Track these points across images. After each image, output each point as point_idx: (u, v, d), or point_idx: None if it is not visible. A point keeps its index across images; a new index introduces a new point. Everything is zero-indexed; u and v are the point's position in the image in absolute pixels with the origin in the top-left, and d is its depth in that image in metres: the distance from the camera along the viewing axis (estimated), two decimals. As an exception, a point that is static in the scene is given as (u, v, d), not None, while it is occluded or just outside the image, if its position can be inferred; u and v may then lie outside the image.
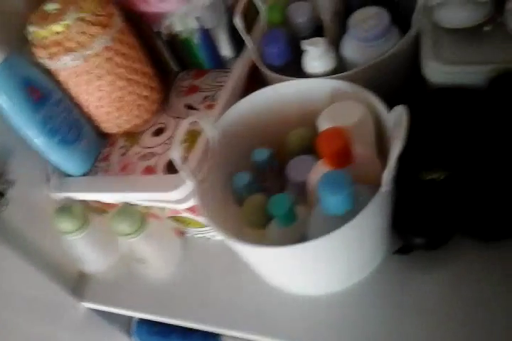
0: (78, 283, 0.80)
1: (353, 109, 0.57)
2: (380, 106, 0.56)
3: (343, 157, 0.50)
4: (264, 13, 0.75)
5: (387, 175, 0.47)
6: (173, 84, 0.79)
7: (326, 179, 0.46)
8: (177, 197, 0.62)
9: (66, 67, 0.63)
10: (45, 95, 0.64)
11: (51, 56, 0.62)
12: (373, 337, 0.57)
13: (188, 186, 0.61)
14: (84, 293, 0.79)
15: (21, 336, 0.71)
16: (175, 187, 0.61)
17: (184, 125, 0.56)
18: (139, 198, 0.66)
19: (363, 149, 0.54)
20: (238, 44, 0.76)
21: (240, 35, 0.70)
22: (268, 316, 0.64)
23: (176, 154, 0.54)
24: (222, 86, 0.74)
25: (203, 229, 0.73)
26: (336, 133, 0.50)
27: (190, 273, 0.73)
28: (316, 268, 0.56)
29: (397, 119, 0.50)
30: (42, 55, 0.63)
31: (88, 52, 0.62)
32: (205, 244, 0.76)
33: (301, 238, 0.51)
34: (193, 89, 0.76)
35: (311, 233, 0.52)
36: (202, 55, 0.76)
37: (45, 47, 0.62)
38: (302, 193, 0.58)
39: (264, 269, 0.62)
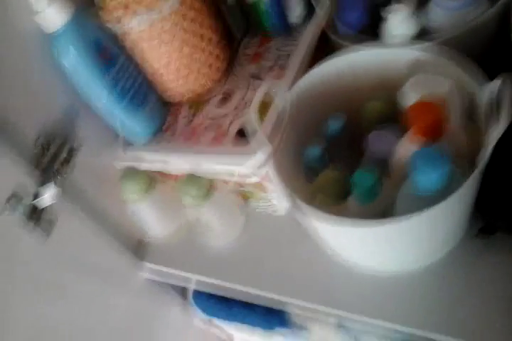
0: (139, 249, 0.81)
1: (441, 79, 0.54)
2: (474, 75, 0.52)
3: (434, 130, 0.48)
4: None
5: (485, 155, 0.44)
6: (236, 52, 0.77)
7: (422, 154, 0.44)
8: (249, 169, 0.60)
9: (133, 31, 0.61)
10: (113, 57, 0.63)
11: (118, 19, 0.60)
12: (444, 318, 0.56)
13: (261, 154, 0.59)
14: (145, 258, 0.80)
15: (83, 298, 0.72)
16: (248, 154, 0.59)
17: (261, 90, 0.54)
18: (206, 169, 0.64)
19: (452, 122, 0.51)
20: (308, 9, 0.73)
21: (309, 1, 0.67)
22: (333, 288, 0.63)
23: (252, 121, 0.52)
24: (289, 54, 0.71)
25: (265, 203, 0.72)
26: (430, 105, 0.47)
27: (250, 244, 0.73)
28: (395, 246, 0.54)
29: (494, 94, 0.47)
30: (109, 18, 0.61)
31: (156, 15, 0.60)
32: (266, 218, 0.75)
33: (382, 214, 0.50)
34: (259, 56, 0.74)
35: (397, 210, 0.50)
36: (269, 21, 0.73)
37: (112, 9, 0.60)
38: (381, 166, 0.56)
39: (336, 244, 0.61)
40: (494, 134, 0.43)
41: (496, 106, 0.46)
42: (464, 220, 0.56)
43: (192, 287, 0.92)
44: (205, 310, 0.92)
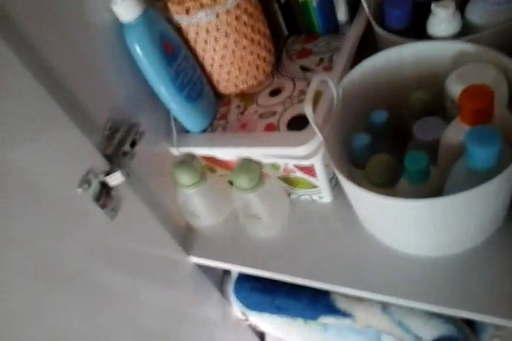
0: (188, 237, 0.83)
1: (486, 69, 0.58)
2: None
3: (484, 116, 0.51)
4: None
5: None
6: (284, 48, 0.81)
7: (476, 133, 0.47)
8: (304, 152, 0.64)
9: (199, 22, 0.65)
10: (176, 50, 0.67)
11: (186, 11, 0.64)
12: (479, 304, 0.58)
13: (314, 142, 0.63)
14: (192, 246, 0.82)
15: (128, 286, 0.72)
16: (302, 142, 0.63)
17: (315, 82, 0.58)
18: (262, 153, 0.68)
19: (498, 109, 0.55)
20: (352, 9, 0.77)
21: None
22: (377, 274, 0.66)
23: (309, 109, 0.56)
24: (336, 49, 0.75)
25: (312, 189, 0.75)
26: (481, 90, 0.50)
27: (296, 233, 0.75)
28: (444, 227, 0.57)
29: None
30: (177, 10, 0.65)
31: (221, 8, 0.64)
32: (311, 206, 0.78)
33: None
34: (306, 52, 0.78)
35: (448, 188, 0.53)
36: (317, 19, 0.78)
37: (180, 2, 0.64)
38: (428, 154, 0.59)
39: (380, 224, 0.64)
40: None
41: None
42: (506, 203, 0.59)
43: (235, 276, 0.94)
44: (245, 302, 0.93)
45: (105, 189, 0.62)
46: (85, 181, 0.59)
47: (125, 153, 0.64)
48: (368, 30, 0.77)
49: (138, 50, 0.63)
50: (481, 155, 0.47)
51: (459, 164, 0.52)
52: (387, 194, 0.53)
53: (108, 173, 0.62)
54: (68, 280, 0.59)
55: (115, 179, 0.62)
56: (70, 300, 0.59)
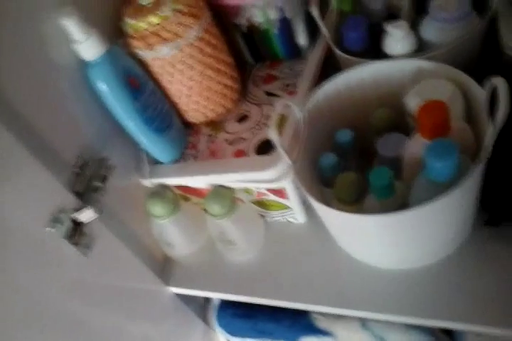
0: (165, 268, 0.83)
1: (443, 85, 0.59)
2: (469, 80, 0.58)
3: (442, 129, 0.53)
4: (335, 3, 0.78)
5: (489, 141, 0.49)
6: (249, 75, 0.83)
7: (434, 147, 0.48)
8: (273, 176, 0.65)
9: (163, 57, 0.67)
10: (142, 84, 0.68)
11: (149, 46, 0.66)
12: (455, 313, 0.59)
13: (282, 165, 0.64)
14: (170, 277, 0.82)
15: (109, 322, 0.72)
16: (270, 166, 0.64)
17: (278, 107, 0.59)
18: (232, 179, 0.69)
19: (455, 123, 0.56)
20: (312, 34, 0.79)
21: (313, 25, 0.73)
22: (355, 291, 0.66)
23: (273, 133, 0.57)
24: (299, 74, 0.77)
25: (285, 211, 0.76)
26: (436, 105, 0.52)
27: (273, 255, 0.76)
28: (412, 239, 0.58)
29: (489, 93, 0.52)
30: (140, 46, 0.67)
31: (183, 42, 0.66)
32: (285, 227, 0.78)
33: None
34: (271, 78, 0.80)
35: (412, 201, 0.54)
36: (279, 45, 0.80)
37: (143, 38, 0.66)
38: (392, 169, 0.60)
39: (353, 241, 0.65)
40: (497, 121, 0.48)
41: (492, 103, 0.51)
42: (471, 212, 0.60)
43: (216, 304, 0.94)
44: (228, 329, 0.93)
45: (77, 226, 0.62)
46: (56, 220, 0.59)
47: (96, 189, 0.64)
48: (329, 53, 0.79)
49: (103, 88, 0.64)
50: (441, 168, 0.49)
51: (420, 177, 0.53)
52: (355, 211, 0.54)
53: (79, 210, 0.62)
54: (45, 319, 0.58)
55: (87, 216, 0.62)
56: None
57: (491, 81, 0.52)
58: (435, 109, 0.52)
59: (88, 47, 0.60)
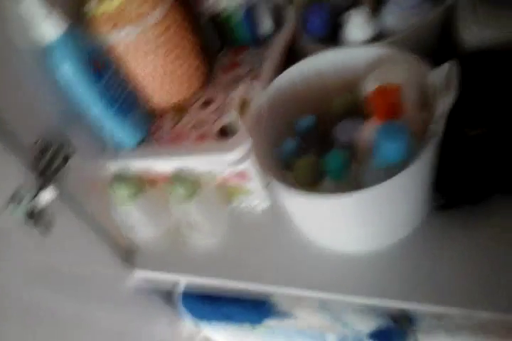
0: (129, 253, 0.83)
1: (399, 70, 0.61)
2: (424, 66, 0.59)
3: (394, 112, 0.54)
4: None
5: (439, 123, 0.51)
6: (215, 60, 0.83)
7: (385, 128, 0.50)
8: (235, 158, 0.66)
9: (125, 38, 0.67)
10: (104, 66, 0.68)
11: (111, 29, 0.66)
12: (411, 293, 0.61)
13: (243, 148, 0.65)
14: (134, 262, 0.82)
15: (71, 303, 0.72)
16: (232, 148, 0.65)
17: (240, 90, 0.60)
18: (194, 162, 0.70)
19: (409, 108, 0.58)
20: (277, 21, 0.80)
21: (278, 12, 0.74)
22: (314, 273, 0.68)
23: (235, 116, 0.58)
24: (264, 60, 0.77)
25: (249, 196, 0.77)
26: (389, 89, 0.53)
27: (237, 239, 0.77)
28: (366, 221, 0.59)
29: (442, 77, 0.54)
30: (102, 28, 0.67)
31: (146, 23, 0.66)
32: (249, 213, 0.79)
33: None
34: (236, 64, 0.81)
35: (365, 184, 0.55)
36: (244, 31, 0.81)
37: (105, 20, 0.66)
38: (350, 153, 0.62)
39: (312, 224, 0.66)
40: (445, 104, 0.49)
41: (444, 86, 0.53)
42: (426, 193, 0.62)
43: (181, 289, 0.95)
44: (194, 313, 0.95)
45: (37, 206, 0.62)
46: (15, 199, 0.59)
47: (57, 170, 0.64)
48: (295, 40, 0.80)
49: (64, 69, 0.64)
50: (391, 149, 0.50)
51: (373, 159, 0.54)
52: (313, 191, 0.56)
53: (39, 190, 0.62)
54: (5, 304, 0.58)
55: (47, 196, 0.62)
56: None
57: (444, 66, 0.54)
58: (388, 92, 0.53)
59: (48, 27, 0.60)
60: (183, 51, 0.73)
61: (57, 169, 0.65)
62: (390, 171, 0.51)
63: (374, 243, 0.65)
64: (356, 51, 0.67)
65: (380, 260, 0.65)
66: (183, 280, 0.80)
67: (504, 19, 0.64)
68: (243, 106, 0.69)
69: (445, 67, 0.53)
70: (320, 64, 0.69)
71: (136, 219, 0.78)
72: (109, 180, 0.74)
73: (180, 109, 0.78)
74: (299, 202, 0.60)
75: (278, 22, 0.80)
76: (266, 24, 0.79)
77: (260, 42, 0.82)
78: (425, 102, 0.62)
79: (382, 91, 0.54)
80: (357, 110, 0.67)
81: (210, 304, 0.92)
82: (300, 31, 0.75)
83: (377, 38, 0.69)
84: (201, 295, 0.92)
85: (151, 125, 0.78)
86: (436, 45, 0.71)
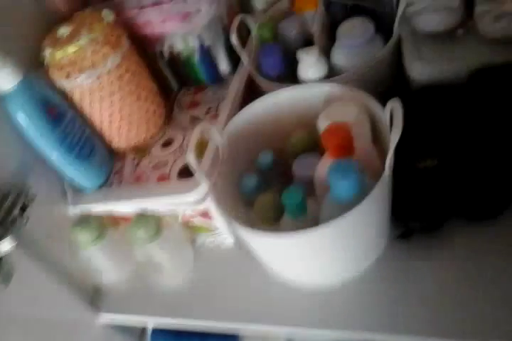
0: (95, 297, 0.82)
1: (350, 108, 0.63)
2: (373, 103, 0.62)
3: (346, 149, 0.56)
4: (255, 31, 0.82)
5: (389, 160, 0.53)
6: (174, 101, 0.85)
7: (335, 166, 0.51)
8: (195, 198, 0.66)
9: (81, 84, 0.68)
10: (61, 113, 0.68)
11: (67, 75, 0.67)
12: (378, 324, 0.61)
13: (202, 188, 0.65)
14: (100, 305, 0.81)
15: None
16: (191, 189, 0.66)
17: (197, 131, 0.61)
18: (156, 203, 0.70)
19: (361, 144, 0.60)
20: (234, 60, 0.82)
21: (234, 52, 0.76)
22: (280, 308, 0.68)
23: (191, 158, 0.58)
24: (222, 98, 0.79)
25: (213, 233, 0.77)
26: (339, 127, 0.55)
27: (202, 278, 0.77)
28: (325, 256, 0.60)
29: (389, 113, 0.56)
30: (58, 75, 0.68)
31: (101, 70, 0.67)
32: (215, 250, 0.79)
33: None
34: (195, 103, 0.82)
35: (322, 220, 0.56)
36: (202, 72, 0.83)
37: (61, 67, 0.67)
38: (309, 188, 0.63)
39: (275, 261, 0.66)
40: (393, 140, 0.51)
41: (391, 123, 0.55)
42: (384, 226, 0.64)
43: (150, 328, 0.93)
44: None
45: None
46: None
47: (14, 220, 0.64)
48: (251, 78, 0.82)
49: (21, 118, 0.64)
50: (342, 187, 0.52)
51: (328, 196, 0.56)
52: (273, 230, 0.56)
53: (-3, 241, 0.61)
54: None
55: (5, 246, 0.61)
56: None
57: (390, 104, 0.56)
58: (338, 130, 0.55)
59: (2, 76, 0.61)
60: (140, 94, 0.74)
61: (15, 219, 0.64)
62: (343, 208, 0.52)
63: (336, 276, 0.66)
64: (309, 89, 0.69)
65: (344, 292, 0.65)
66: (151, 322, 0.79)
67: (446, 54, 0.67)
68: (201, 146, 0.70)
69: (389, 105, 0.55)
70: (276, 101, 0.71)
71: (100, 262, 0.77)
72: (71, 225, 0.73)
73: (140, 150, 0.79)
74: (258, 241, 0.61)
75: (236, 61, 0.82)
76: (222, 64, 0.81)
77: (218, 81, 0.84)
78: (377, 138, 0.64)
79: (333, 130, 0.55)
80: (314, 146, 0.69)
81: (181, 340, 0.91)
82: (257, 70, 0.77)
83: (330, 75, 0.71)
84: (169, 334, 0.91)
85: (112, 167, 0.79)
86: (390, 80, 0.73)
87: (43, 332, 0.71)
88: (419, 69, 0.67)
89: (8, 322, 0.64)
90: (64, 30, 0.68)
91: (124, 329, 0.89)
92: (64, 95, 0.71)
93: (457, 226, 0.64)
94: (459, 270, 0.62)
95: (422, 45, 0.68)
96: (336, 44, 0.72)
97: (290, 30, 0.80)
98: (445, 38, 0.68)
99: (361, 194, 0.53)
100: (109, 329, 0.86)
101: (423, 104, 0.66)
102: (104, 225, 0.75)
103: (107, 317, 0.81)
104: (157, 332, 0.93)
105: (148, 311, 0.77)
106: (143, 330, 0.95)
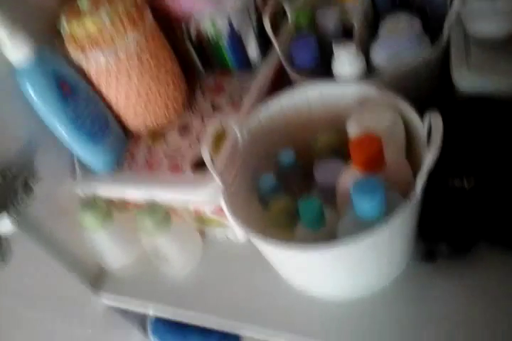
0: (98, 279, 0.81)
1: (384, 114, 0.58)
2: (411, 112, 0.56)
3: (375, 163, 0.51)
4: (291, 17, 0.76)
5: (420, 182, 0.48)
6: (198, 85, 0.80)
7: (360, 184, 0.47)
8: (205, 197, 0.62)
9: (98, 60, 0.64)
10: (75, 90, 0.64)
11: (84, 52, 0.63)
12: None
13: (216, 186, 0.61)
14: (103, 288, 0.80)
15: (39, 330, 0.71)
16: (202, 185, 0.62)
17: (212, 127, 0.56)
18: (168, 194, 0.66)
19: (393, 155, 0.55)
20: (265, 46, 0.77)
21: (267, 37, 0.71)
22: (285, 313, 0.65)
23: (206, 154, 0.54)
24: (247, 87, 0.74)
25: (225, 228, 0.73)
26: (370, 139, 0.50)
27: (210, 272, 0.74)
28: (342, 272, 0.56)
29: (428, 126, 0.51)
30: (75, 48, 0.64)
31: (120, 45, 0.63)
32: (226, 244, 0.76)
33: (329, 240, 0.52)
34: (218, 90, 0.77)
35: (340, 236, 0.52)
36: (229, 56, 0.77)
37: (78, 42, 0.63)
38: (330, 195, 0.59)
39: (287, 270, 0.63)
40: (427, 161, 0.46)
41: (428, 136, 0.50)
42: (407, 246, 0.59)
43: (150, 315, 0.92)
44: (162, 339, 0.93)
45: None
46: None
47: (15, 201, 0.61)
48: (282, 67, 0.76)
49: (32, 93, 0.61)
50: (366, 207, 0.47)
51: (348, 211, 0.51)
52: (288, 235, 0.53)
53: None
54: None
55: (5, 225, 0.60)
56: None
57: (428, 116, 0.50)
58: (369, 143, 0.50)
59: (13, 50, 0.57)
60: (160, 77, 0.69)
61: (20, 195, 0.62)
62: (364, 226, 0.48)
63: (351, 293, 0.62)
64: (342, 86, 0.64)
65: (356, 309, 0.61)
66: (151, 309, 0.77)
67: (501, 64, 0.60)
68: (219, 139, 0.66)
69: (430, 116, 0.50)
70: (304, 96, 0.66)
71: (105, 245, 0.75)
72: (78, 205, 0.70)
73: (156, 135, 0.75)
74: (269, 248, 0.57)
75: (267, 48, 0.76)
76: (252, 50, 0.76)
77: (247, 67, 0.78)
78: (411, 148, 0.59)
79: (363, 142, 0.50)
80: (341, 147, 0.64)
81: (177, 332, 0.90)
82: (288, 60, 0.72)
83: (366, 74, 0.66)
84: (170, 324, 0.90)
85: (125, 150, 0.75)
86: (432, 87, 0.67)
87: (42, 308, 0.71)
88: (468, 79, 0.60)
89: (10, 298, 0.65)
90: (85, 3, 0.63)
91: (126, 317, 0.88)
92: (79, 70, 0.67)
93: (485, 253, 0.60)
94: (478, 298, 0.58)
95: (473, 52, 0.61)
96: (377, 40, 0.66)
97: (329, 19, 0.73)
98: (501, 46, 0.61)
99: (387, 212, 0.48)
100: (111, 313, 0.85)
101: (466, 117, 0.60)
102: (113, 208, 0.73)
103: (108, 298, 0.80)
104: (158, 323, 0.92)
105: (150, 297, 0.76)
106: (144, 319, 0.94)
